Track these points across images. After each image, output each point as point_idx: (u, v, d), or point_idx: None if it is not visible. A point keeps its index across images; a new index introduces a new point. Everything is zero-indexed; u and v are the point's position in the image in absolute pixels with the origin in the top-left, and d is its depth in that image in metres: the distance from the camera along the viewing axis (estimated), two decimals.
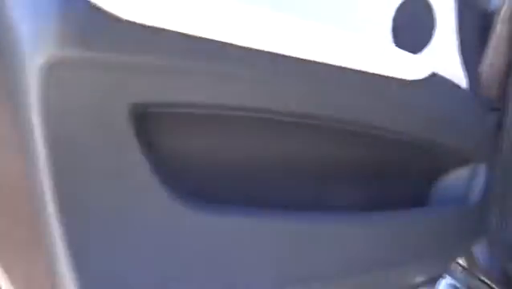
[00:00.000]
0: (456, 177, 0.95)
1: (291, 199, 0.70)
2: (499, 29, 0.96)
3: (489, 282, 1.10)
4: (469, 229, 0.98)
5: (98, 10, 0.46)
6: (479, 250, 1.14)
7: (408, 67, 0.72)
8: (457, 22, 0.85)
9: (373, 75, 0.68)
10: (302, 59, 0.61)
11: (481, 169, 0.94)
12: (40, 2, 0.45)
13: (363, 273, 0.83)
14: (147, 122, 0.54)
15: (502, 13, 0.95)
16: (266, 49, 0.57)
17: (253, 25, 0.57)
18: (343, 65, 0.65)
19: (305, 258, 0.71)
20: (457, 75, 0.87)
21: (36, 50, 0.45)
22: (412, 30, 0.81)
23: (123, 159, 0.52)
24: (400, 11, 0.78)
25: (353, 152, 0.81)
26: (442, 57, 0.84)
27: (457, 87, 0.84)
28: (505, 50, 0.94)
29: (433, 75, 0.76)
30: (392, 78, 0.70)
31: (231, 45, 0.54)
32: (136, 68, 0.50)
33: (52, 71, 0.46)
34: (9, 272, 0.58)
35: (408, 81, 0.72)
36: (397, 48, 0.75)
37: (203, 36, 0.52)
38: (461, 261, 1.23)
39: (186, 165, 0.59)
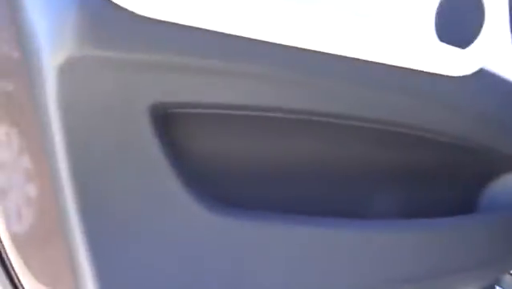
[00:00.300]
0: (507, 183, 0.88)
1: (327, 205, 0.66)
2: None
3: None
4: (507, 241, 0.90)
5: (116, 7, 0.44)
6: None
7: (454, 62, 0.66)
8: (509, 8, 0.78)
9: (417, 72, 0.64)
10: (341, 56, 0.58)
11: None
12: (57, 2, 0.44)
13: (407, 283, 0.78)
14: (168, 123, 0.53)
15: None
16: (301, 46, 0.54)
17: (285, 20, 0.54)
18: (386, 62, 0.61)
19: (344, 267, 0.68)
20: (508, 71, 0.80)
21: (55, 49, 0.45)
22: (458, 23, 0.74)
23: (144, 160, 0.51)
24: (443, 4, 0.72)
25: (398, 156, 0.77)
26: (493, 51, 0.78)
27: (507, 87, 0.77)
28: None
29: (482, 71, 0.70)
30: (437, 74, 0.65)
31: (260, 42, 0.51)
32: (157, 67, 0.48)
33: (71, 70, 0.45)
34: (33, 268, 0.58)
35: (454, 78, 0.66)
36: (441, 43, 0.69)
37: (227, 32, 0.49)
38: None
39: (210, 168, 0.57)
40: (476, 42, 0.76)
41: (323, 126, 0.63)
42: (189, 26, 0.47)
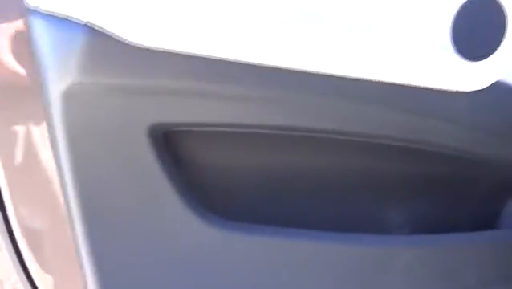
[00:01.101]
0: None
1: (328, 219, 0.67)
2: None
3: None
4: None
5: (114, 39, 0.47)
6: None
7: (463, 76, 0.64)
8: None
9: (426, 89, 0.63)
10: (343, 77, 0.58)
11: None
12: (61, 37, 0.48)
13: None
14: (167, 141, 0.56)
15: None
16: (288, 67, 0.55)
17: (273, 43, 0.55)
18: (393, 81, 0.61)
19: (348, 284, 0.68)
20: None
21: (58, 78, 0.49)
22: (477, 34, 0.72)
23: (145, 176, 0.54)
24: (461, 14, 0.70)
25: (413, 171, 0.75)
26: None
27: None
28: None
29: (498, 84, 0.67)
30: (445, 91, 0.64)
31: (249, 65, 0.52)
32: (152, 91, 0.51)
33: (75, 96, 0.49)
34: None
35: (465, 93, 0.64)
36: (448, 57, 0.67)
37: (215, 57, 0.51)
38: None
39: (208, 182, 0.60)
40: (497, 51, 0.73)
41: (322, 142, 0.64)
42: (179, 53, 0.50)
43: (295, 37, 0.55)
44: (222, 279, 0.59)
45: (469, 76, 0.66)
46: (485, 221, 0.85)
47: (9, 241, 0.69)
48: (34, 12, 0.48)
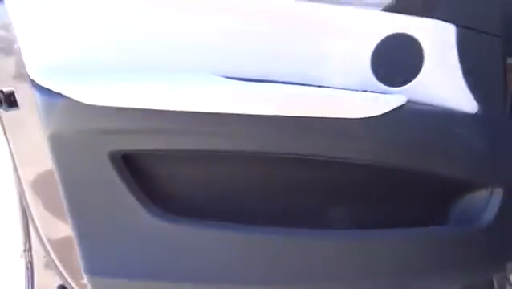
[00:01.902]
0: (472, 200, 0.96)
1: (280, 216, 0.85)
2: None
3: None
4: (486, 249, 0.97)
5: (75, 101, 0.72)
6: None
7: (362, 106, 0.80)
8: (457, 51, 0.87)
9: (334, 119, 0.80)
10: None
11: (498, 193, 0.94)
12: (47, 98, 0.73)
13: (389, 278, 0.95)
14: (125, 161, 0.80)
15: None
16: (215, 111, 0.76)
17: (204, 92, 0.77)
18: (305, 115, 0.80)
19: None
20: (461, 103, 0.89)
21: (45, 125, 0.72)
22: (396, 64, 0.85)
23: (112, 188, 0.79)
24: (379, 48, 0.84)
25: (375, 181, 0.92)
26: (437, 87, 0.87)
27: (449, 113, 0.87)
28: None
29: (403, 108, 0.82)
30: (350, 118, 0.80)
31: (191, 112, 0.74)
32: (108, 131, 0.75)
33: (56, 138, 0.72)
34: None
35: (367, 118, 0.80)
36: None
37: (153, 108, 0.75)
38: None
39: (162, 190, 0.83)
40: (416, 79, 0.86)
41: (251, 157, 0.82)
42: (121, 107, 0.73)
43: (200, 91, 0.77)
44: (168, 256, 0.84)
45: (364, 105, 0.82)
46: (436, 219, 0.99)
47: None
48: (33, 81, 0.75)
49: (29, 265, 0.98)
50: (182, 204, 0.84)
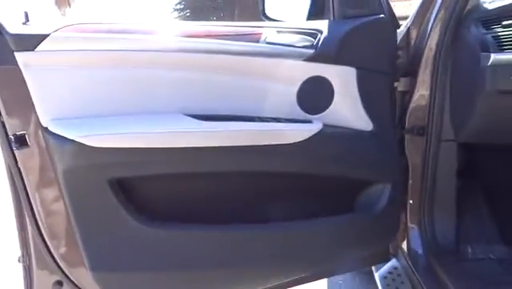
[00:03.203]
0: (370, 193, 1.32)
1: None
2: None
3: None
4: (380, 229, 1.34)
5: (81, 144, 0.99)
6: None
7: (293, 134, 1.13)
8: (357, 87, 1.20)
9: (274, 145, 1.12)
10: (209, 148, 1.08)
11: (387, 187, 1.30)
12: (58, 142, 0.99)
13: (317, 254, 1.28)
14: (121, 184, 1.07)
15: None
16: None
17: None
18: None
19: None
20: (361, 123, 1.23)
21: (57, 162, 0.98)
22: (315, 98, 1.17)
23: (108, 200, 1.06)
24: (302, 87, 1.15)
25: (288, 184, 1.24)
26: (344, 113, 1.20)
27: (352, 131, 1.22)
28: None
29: (319, 134, 1.15)
30: (285, 144, 1.12)
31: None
32: (107, 165, 1.03)
33: (66, 171, 1.00)
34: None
35: (294, 143, 1.12)
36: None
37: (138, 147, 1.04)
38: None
39: (148, 204, 1.11)
40: (329, 108, 1.19)
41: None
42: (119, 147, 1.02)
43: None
44: (156, 255, 1.12)
45: (289, 134, 1.14)
46: (347, 208, 1.33)
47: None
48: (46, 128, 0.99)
49: (27, 268, 1.17)
50: (162, 213, 1.12)
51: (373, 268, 1.67)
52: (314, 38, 1.18)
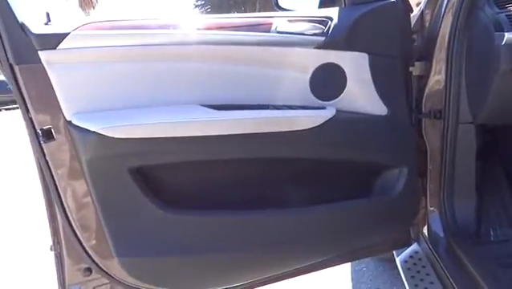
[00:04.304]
0: (386, 177, 1.33)
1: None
2: None
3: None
4: (399, 213, 1.35)
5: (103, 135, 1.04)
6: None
7: (307, 120, 1.14)
8: (370, 72, 1.21)
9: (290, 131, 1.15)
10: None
11: (404, 171, 1.31)
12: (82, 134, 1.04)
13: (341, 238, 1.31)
14: (141, 173, 1.11)
15: None
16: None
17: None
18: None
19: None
20: (375, 108, 1.24)
21: (81, 153, 1.03)
22: (328, 85, 1.19)
23: (130, 189, 1.10)
24: (314, 74, 1.17)
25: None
26: (358, 99, 1.22)
27: (367, 116, 1.23)
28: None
29: (333, 119, 1.17)
30: (300, 130, 1.15)
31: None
32: (128, 155, 1.07)
33: (91, 161, 1.05)
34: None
35: (308, 129, 1.14)
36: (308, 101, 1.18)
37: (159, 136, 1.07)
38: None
39: (167, 191, 1.15)
40: (343, 93, 1.20)
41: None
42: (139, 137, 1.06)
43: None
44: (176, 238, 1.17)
45: (303, 120, 1.16)
46: (365, 192, 1.35)
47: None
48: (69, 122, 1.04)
49: (58, 255, 1.24)
50: (183, 199, 1.16)
51: (394, 253, 1.68)
52: (325, 26, 1.19)
